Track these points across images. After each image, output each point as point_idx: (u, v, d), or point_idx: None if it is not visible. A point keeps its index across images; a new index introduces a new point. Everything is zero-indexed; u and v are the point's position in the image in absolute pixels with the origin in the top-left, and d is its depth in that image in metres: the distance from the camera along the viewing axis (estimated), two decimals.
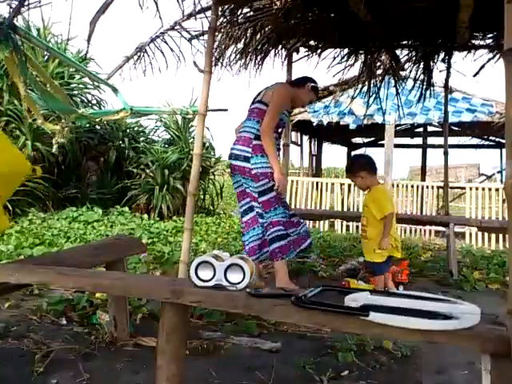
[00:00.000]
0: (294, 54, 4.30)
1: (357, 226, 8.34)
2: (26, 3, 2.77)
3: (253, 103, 3.34)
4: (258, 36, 3.77)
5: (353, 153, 12.87)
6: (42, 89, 3.55)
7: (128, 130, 9.60)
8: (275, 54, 4.15)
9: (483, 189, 7.98)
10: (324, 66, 4.36)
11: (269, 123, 3.14)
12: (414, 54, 4.33)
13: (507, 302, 1.15)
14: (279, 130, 3.36)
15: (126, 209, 8.16)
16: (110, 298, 2.49)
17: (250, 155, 3.15)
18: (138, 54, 3.88)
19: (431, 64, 4.45)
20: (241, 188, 3.31)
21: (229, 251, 4.20)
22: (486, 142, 11.34)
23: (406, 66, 4.51)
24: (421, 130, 10.67)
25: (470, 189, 8.10)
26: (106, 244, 2.64)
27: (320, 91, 8.53)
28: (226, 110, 4.65)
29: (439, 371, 2.25)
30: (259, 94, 3.35)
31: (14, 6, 2.76)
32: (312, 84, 3.45)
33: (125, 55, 4.02)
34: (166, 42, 3.59)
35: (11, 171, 1.91)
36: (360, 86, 4.76)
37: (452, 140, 10.15)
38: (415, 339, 1.23)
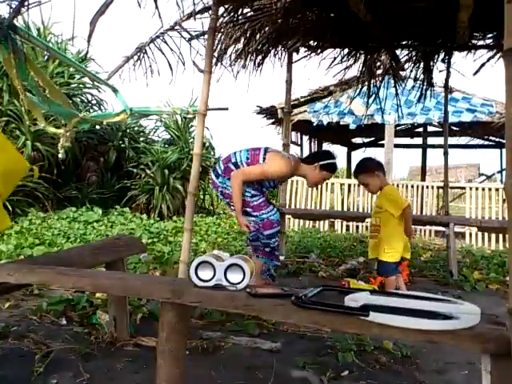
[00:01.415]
0: (294, 54, 4.30)
1: (357, 226, 8.35)
2: (26, 3, 2.77)
3: (265, 149, 3.34)
4: (258, 36, 3.76)
5: (353, 153, 12.89)
6: (41, 94, 3.55)
7: (128, 130, 9.60)
8: (275, 54, 4.15)
9: (483, 189, 7.99)
10: (324, 66, 4.35)
11: (245, 174, 3.20)
12: (414, 54, 4.33)
13: (507, 301, 1.15)
14: (263, 190, 3.41)
15: (126, 209, 8.16)
16: (110, 298, 2.49)
17: (220, 172, 3.33)
18: (138, 54, 3.88)
19: (431, 64, 4.45)
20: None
21: (229, 251, 4.20)
22: (486, 142, 11.34)
23: (406, 66, 4.51)
24: (421, 130, 10.68)
25: (470, 189, 8.11)
26: (106, 244, 2.64)
27: (320, 91, 8.59)
28: (226, 108, 4.64)
29: (439, 371, 2.25)
30: (267, 149, 3.35)
31: (13, 5, 2.76)
32: (321, 163, 3.32)
33: (125, 55, 4.01)
34: (165, 42, 3.59)
35: (9, 169, 1.91)
36: (360, 86, 4.76)
37: (452, 140, 10.16)
38: (415, 339, 1.23)
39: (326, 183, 8.79)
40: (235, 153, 3.34)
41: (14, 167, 1.96)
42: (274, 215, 3.29)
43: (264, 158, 3.25)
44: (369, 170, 3.41)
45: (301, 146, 10.59)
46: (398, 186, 8.63)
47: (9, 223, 2.13)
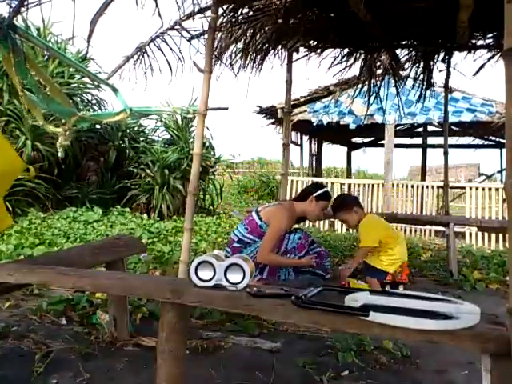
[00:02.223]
0: (294, 54, 4.30)
1: None
2: (26, 3, 2.77)
3: (255, 211, 3.38)
4: (258, 36, 3.76)
5: (353, 153, 12.89)
6: (41, 92, 3.55)
7: (128, 130, 9.59)
8: (275, 54, 4.15)
9: (483, 189, 7.99)
10: (324, 66, 4.36)
11: (264, 249, 3.17)
12: (413, 53, 4.33)
13: (507, 301, 1.15)
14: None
15: (126, 209, 8.15)
16: (110, 298, 2.49)
17: (229, 255, 3.29)
18: (138, 53, 3.88)
19: (431, 64, 4.45)
20: None
21: None
22: (486, 142, 11.35)
23: (406, 66, 4.52)
24: (421, 129, 10.68)
25: (470, 189, 8.11)
26: (106, 244, 2.63)
27: (320, 91, 8.59)
28: (226, 108, 4.63)
29: (439, 371, 2.25)
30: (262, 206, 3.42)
31: (13, 5, 2.76)
32: (315, 194, 3.35)
33: (125, 55, 4.02)
34: (166, 42, 3.59)
35: (6, 170, 1.90)
36: (360, 85, 4.76)
37: (452, 140, 10.16)
38: (415, 339, 1.23)
39: (326, 183, 8.80)
40: (234, 233, 3.37)
41: (10, 167, 1.95)
42: (292, 241, 3.34)
43: (260, 218, 3.26)
44: (347, 207, 3.55)
45: (301, 146, 10.60)
46: (397, 185, 8.64)
47: (10, 222, 2.13)
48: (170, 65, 3.48)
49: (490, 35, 3.85)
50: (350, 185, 9.31)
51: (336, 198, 3.84)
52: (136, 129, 9.97)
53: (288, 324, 2.73)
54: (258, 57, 4.07)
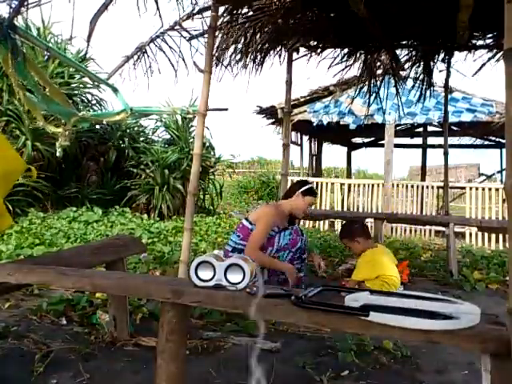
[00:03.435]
0: (294, 54, 4.30)
1: None
2: (26, 3, 2.77)
3: (245, 219, 3.42)
4: (258, 36, 3.76)
5: (353, 153, 12.88)
6: (41, 92, 3.55)
7: (128, 130, 9.59)
8: (275, 54, 4.15)
9: (483, 189, 7.99)
10: (324, 66, 4.37)
11: (250, 243, 3.18)
12: (414, 53, 4.33)
13: (507, 301, 1.15)
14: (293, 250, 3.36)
15: (126, 209, 8.15)
16: (110, 298, 2.49)
17: None
18: (138, 53, 3.89)
19: (431, 64, 4.46)
20: None
21: None
22: (486, 142, 11.35)
23: (406, 66, 4.52)
24: (421, 129, 10.68)
25: (470, 189, 8.11)
26: (106, 244, 2.63)
27: (320, 91, 8.59)
28: (226, 109, 4.64)
29: (439, 371, 2.25)
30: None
31: (13, 5, 2.76)
32: (300, 190, 3.42)
33: (125, 55, 4.02)
34: (166, 42, 3.59)
35: (7, 170, 1.90)
36: (360, 86, 4.77)
37: (452, 140, 10.16)
38: (415, 339, 1.23)
39: (326, 183, 8.80)
40: (228, 243, 3.41)
41: (11, 168, 1.95)
42: (283, 238, 3.33)
43: (250, 222, 3.30)
44: (350, 236, 3.63)
45: (301, 145, 10.60)
46: (397, 186, 8.64)
47: (10, 222, 2.13)
48: (172, 65, 3.48)
49: (490, 35, 3.85)
50: (349, 185, 9.31)
51: (344, 224, 3.90)
52: (136, 129, 9.96)
53: (288, 324, 2.73)
54: (258, 57, 4.07)
